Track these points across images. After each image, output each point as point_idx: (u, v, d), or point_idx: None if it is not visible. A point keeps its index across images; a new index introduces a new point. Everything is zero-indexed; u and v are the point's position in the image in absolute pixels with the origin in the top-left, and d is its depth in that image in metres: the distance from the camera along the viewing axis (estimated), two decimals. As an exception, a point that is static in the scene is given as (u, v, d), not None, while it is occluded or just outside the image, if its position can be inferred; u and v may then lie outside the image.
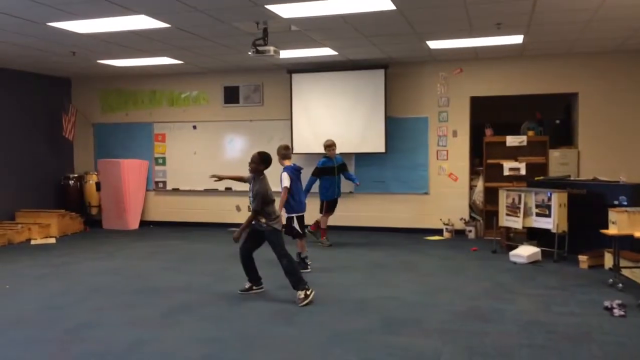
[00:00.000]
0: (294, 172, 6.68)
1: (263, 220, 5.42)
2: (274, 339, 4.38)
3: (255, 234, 5.59)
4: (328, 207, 8.35)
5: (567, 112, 9.63)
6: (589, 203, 7.07)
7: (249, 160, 5.59)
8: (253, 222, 5.47)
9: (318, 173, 8.25)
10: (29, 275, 6.71)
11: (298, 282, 5.35)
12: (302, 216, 6.77)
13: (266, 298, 5.55)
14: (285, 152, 6.83)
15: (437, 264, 7.16)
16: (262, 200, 5.38)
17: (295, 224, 6.68)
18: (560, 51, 8.52)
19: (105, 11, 5.92)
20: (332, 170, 8.27)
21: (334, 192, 8.29)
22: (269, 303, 5.39)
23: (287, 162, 6.73)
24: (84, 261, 7.49)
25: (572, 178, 8.14)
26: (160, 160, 10.81)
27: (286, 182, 6.53)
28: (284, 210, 6.51)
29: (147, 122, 10.79)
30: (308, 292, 5.31)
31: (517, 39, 7.47)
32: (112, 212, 10.43)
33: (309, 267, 6.72)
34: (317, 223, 8.51)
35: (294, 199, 6.64)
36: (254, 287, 5.71)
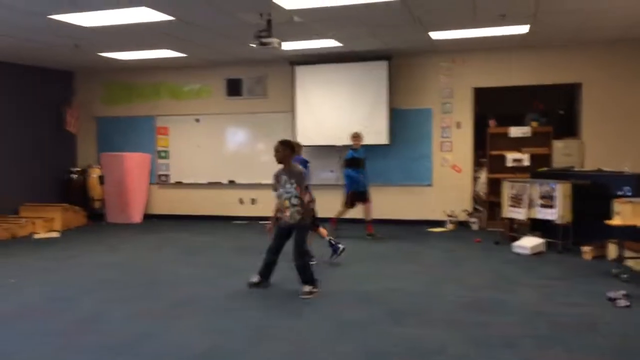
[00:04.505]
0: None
1: (296, 213, 5.31)
2: (279, 331, 4.40)
3: (284, 231, 5.50)
4: (353, 198, 8.31)
5: (570, 103, 9.61)
6: (593, 194, 7.06)
7: (274, 153, 5.42)
8: (279, 218, 5.42)
9: (349, 165, 8.27)
10: (34, 268, 6.73)
11: (308, 280, 5.35)
12: None
13: (271, 290, 5.56)
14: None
15: (441, 255, 7.17)
16: (305, 183, 5.31)
17: None
18: (564, 41, 8.48)
19: (107, 3, 5.91)
20: (358, 162, 8.29)
21: (360, 184, 8.27)
22: (274, 295, 5.40)
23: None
24: (89, 254, 7.52)
25: (576, 169, 8.13)
26: (163, 154, 10.81)
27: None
28: None
29: (150, 116, 10.80)
30: (314, 289, 5.32)
31: (523, 29, 7.44)
32: (116, 206, 10.45)
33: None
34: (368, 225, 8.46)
35: None
36: (262, 282, 5.66)
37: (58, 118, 10.54)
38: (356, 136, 8.34)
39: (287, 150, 5.41)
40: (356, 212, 8.72)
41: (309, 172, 6.87)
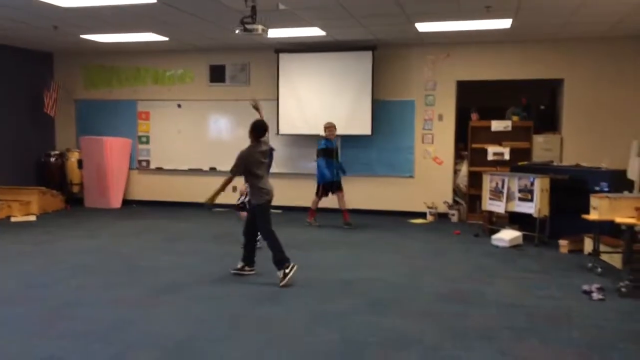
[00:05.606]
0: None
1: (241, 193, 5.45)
2: (258, 319, 4.39)
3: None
4: (324, 190, 8.39)
5: (552, 98, 9.69)
6: (571, 188, 7.16)
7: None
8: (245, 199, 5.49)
9: (323, 155, 8.26)
10: (10, 252, 6.63)
11: (279, 260, 5.34)
12: None
13: (251, 278, 5.55)
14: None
15: (421, 246, 7.22)
16: (239, 165, 5.41)
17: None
18: (547, 37, 8.54)
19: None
20: (332, 153, 8.31)
21: (332, 174, 8.31)
22: (254, 283, 5.39)
23: None
24: (66, 239, 7.42)
25: (555, 164, 8.22)
26: (144, 139, 10.68)
27: None
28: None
29: (131, 100, 10.64)
30: (287, 271, 5.27)
31: (506, 23, 7.47)
32: (95, 191, 10.31)
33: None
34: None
35: None
36: (247, 268, 5.65)
37: (36, 100, 10.33)
38: (331, 126, 8.36)
39: (251, 132, 5.55)
40: (331, 202, 8.74)
41: (272, 160, 6.78)
